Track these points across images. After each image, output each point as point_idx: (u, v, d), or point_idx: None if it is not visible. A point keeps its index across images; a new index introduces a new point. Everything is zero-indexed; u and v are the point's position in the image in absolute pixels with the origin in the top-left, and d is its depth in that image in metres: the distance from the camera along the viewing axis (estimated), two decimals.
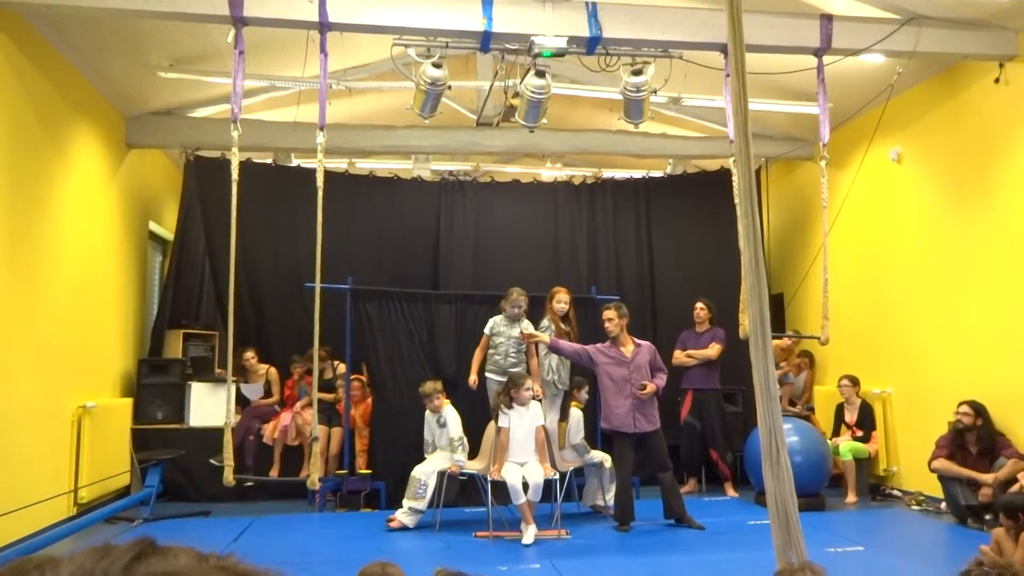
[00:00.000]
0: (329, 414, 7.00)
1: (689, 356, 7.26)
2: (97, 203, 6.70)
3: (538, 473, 5.51)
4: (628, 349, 6.00)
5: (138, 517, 6.11)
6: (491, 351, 6.14)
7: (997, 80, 5.92)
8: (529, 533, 5.32)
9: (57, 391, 5.84)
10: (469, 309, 7.02)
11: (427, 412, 6.08)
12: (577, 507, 6.36)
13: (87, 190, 6.47)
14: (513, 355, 6.10)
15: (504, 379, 5.95)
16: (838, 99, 6.85)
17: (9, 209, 5.20)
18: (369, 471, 6.57)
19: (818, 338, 5.39)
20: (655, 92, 6.36)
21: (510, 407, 5.69)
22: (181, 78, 6.64)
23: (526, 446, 5.65)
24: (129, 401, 7.01)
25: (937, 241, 6.56)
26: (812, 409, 7.75)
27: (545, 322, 6.27)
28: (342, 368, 7.07)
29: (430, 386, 6.05)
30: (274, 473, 6.97)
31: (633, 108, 6.18)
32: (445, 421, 5.94)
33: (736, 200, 3.88)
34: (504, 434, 5.65)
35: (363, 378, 7.06)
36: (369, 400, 7.03)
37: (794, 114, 7.54)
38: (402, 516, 5.76)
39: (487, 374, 6.13)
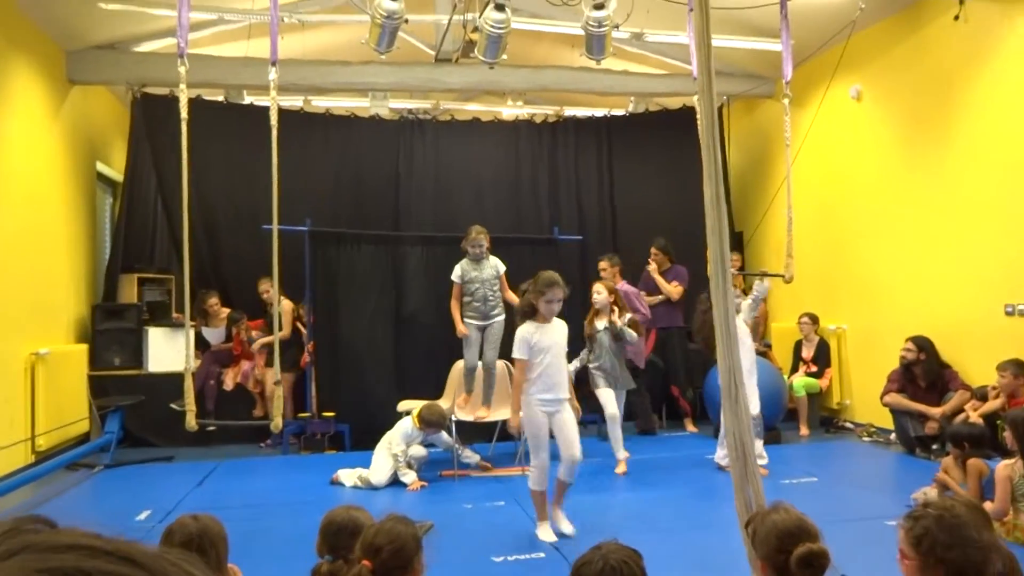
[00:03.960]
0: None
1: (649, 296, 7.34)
2: (40, 143, 6.42)
3: (574, 434, 4.16)
4: None
5: (99, 463, 6.05)
6: (467, 298, 5.73)
7: (956, 17, 5.92)
8: (547, 530, 4.09)
9: (7, 338, 5.68)
10: (430, 250, 6.97)
11: (408, 422, 5.41)
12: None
13: (29, 129, 6.19)
14: (492, 298, 5.74)
15: (485, 323, 5.69)
16: (800, 36, 6.79)
17: None
18: (332, 414, 6.57)
19: (783, 276, 5.45)
20: (617, 27, 6.24)
21: (533, 316, 4.17)
22: (124, 10, 6.31)
23: (561, 374, 4.16)
24: (84, 347, 6.86)
25: (895, 178, 6.64)
26: (769, 345, 7.91)
27: (601, 291, 5.92)
28: (287, 305, 6.94)
29: (445, 416, 5.43)
30: (259, 413, 6.88)
31: (595, 43, 6.05)
32: (434, 442, 5.60)
33: (700, 136, 3.83)
34: (520, 368, 4.12)
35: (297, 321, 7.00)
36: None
37: (755, 51, 7.48)
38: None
39: (467, 320, 5.74)
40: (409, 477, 5.27)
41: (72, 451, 6.02)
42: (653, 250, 7.36)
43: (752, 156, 8.72)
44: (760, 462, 5.24)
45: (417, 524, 2.38)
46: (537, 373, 4.08)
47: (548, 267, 7.16)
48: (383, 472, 5.29)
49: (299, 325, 7.13)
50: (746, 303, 5.61)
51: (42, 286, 6.30)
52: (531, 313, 4.19)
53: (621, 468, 5.59)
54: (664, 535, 3.85)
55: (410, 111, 8.62)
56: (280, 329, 6.94)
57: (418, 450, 5.48)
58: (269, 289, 6.87)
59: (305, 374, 6.84)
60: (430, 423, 5.36)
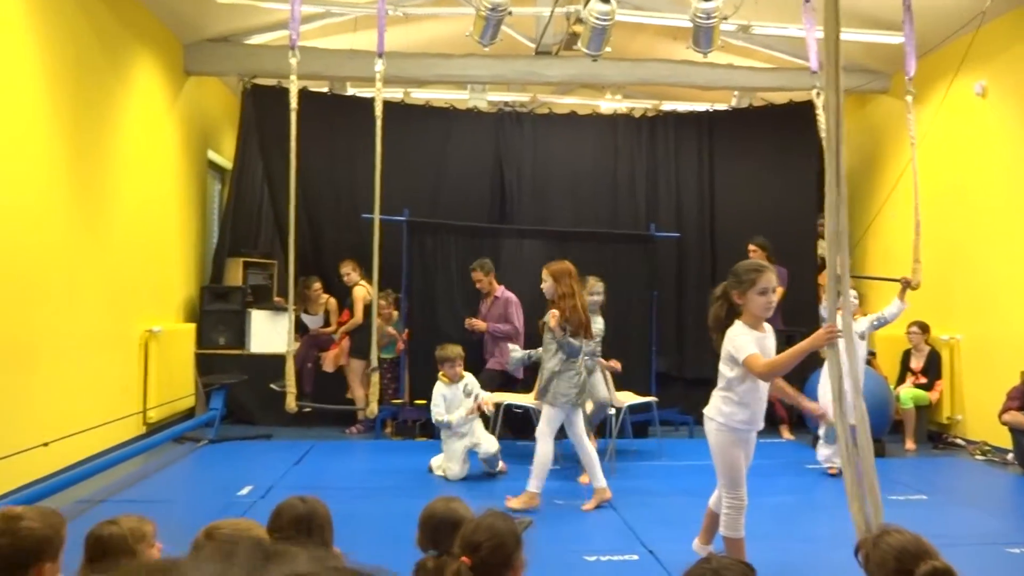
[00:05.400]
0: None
1: None
2: (158, 130, 6.74)
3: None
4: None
5: (204, 438, 6.33)
6: None
7: None
8: None
9: (125, 316, 6.00)
10: (526, 243, 6.96)
11: (439, 384, 5.44)
12: (629, 443, 6.37)
13: (148, 117, 6.51)
14: (597, 353, 5.49)
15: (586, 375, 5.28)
16: (920, 27, 6.41)
17: (76, 136, 5.25)
18: (424, 401, 6.65)
19: (907, 281, 5.19)
20: (725, 19, 6.06)
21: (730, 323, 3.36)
22: (237, 3, 6.55)
23: (765, 399, 3.40)
24: (192, 326, 7.18)
25: (1022, 181, 6.20)
26: (873, 353, 7.55)
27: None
28: (358, 292, 7.04)
29: (453, 350, 5.46)
30: (360, 394, 6.97)
31: (702, 36, 5.90)
32: (471, 390, 5.50)
33: (822, 134, 3.61)
34: (757, 360, 3.18)
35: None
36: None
37: (869, 44, 7.12)
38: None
39: None
40: (464, 408, 5.28)
41: (180, 425, 6.32)
42: (751, 247, 7.11)
43: (862, 155, 8.32)
44: None
45: (517, 520, 2.36)
46: (755, 396, 3.24)
47: (643, 265, 7.12)
48: (454, 458, 5.30)
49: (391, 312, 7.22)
50: (866, 320, 5.29)
51: (157, 267, 6.63)
52: (728, 320, 3.27)
53: (512, 503, 4.46)
54: (766, 544, 3.70)
55: (507, 104, 8.63)
56: (353, 316, 7.11)
57: (491, 444, 5.34)
58: (350, 272, 7.05)
59: (399, 361, 6.96)
60: (443, 360, 5.39)
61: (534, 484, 4.54)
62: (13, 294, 4.51)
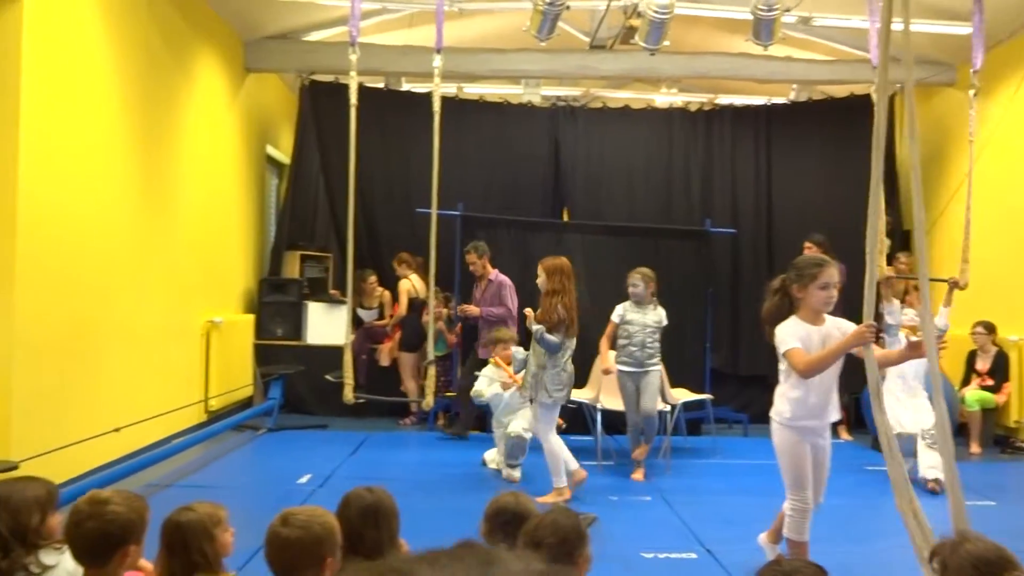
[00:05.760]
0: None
1: None
2: (219, 127, 6.90)
3: (826, 474, 3.48)
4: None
5: (263, 427, 6.48)
6: (623, 341, 5.35)
7: None
8: None
9: (188, 307, 6.17)
10: (580, 238, 6.95)
11: (489, 366, 5.51)
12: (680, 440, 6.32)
13: (210, 114, 6.66)
14: (650, 345, 5.32)
15: (640, 371, 5.29)
16: (991, 18, 6.18)
17: (145, 134, 5.41)
18: None
19: (954, 282, 5.04)
20: (788, 11, 5.95)
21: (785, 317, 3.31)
22: (297, 0, 6.66)
23: (835, 393, 3.36)
24: (251, 318, 7.36)
25: None
26: None
27: None
28: (403, 285, 7.09)
29: (506, 333, 5.59)
30: (411, 386, 7.02)
31: (763, 28, 5.81)
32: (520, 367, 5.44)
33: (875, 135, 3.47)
34: (799, 356, 3.14)
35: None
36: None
37: (934, 35, 6.91)
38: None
39: (619, 366, 5.34)
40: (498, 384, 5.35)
41: (240, 414, 6.48)
42: (807, 244, 6.98)
43: (928, 149, 8.06)
44: (931, 475, 4.88)
45: (581, 516, 2.38)
46: (805, 391, 3.16)
47: (698, 261, 7.04)
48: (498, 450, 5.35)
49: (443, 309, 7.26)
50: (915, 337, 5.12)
51: (218, 260, 6.81)
52: (788, 314, 3.19)
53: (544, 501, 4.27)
54: (827, 546, 3.64)
55: (560, 98, 8.61)
56: (398, 310, 7.15)
57: (518, 425, 5.21)
58: (396, 267, 7.13)
59: (451, 356, 7.02)
60: (497, 341, 5.46)
61: (557, 480, 4.63)
62: (86, 287, 4.68)
